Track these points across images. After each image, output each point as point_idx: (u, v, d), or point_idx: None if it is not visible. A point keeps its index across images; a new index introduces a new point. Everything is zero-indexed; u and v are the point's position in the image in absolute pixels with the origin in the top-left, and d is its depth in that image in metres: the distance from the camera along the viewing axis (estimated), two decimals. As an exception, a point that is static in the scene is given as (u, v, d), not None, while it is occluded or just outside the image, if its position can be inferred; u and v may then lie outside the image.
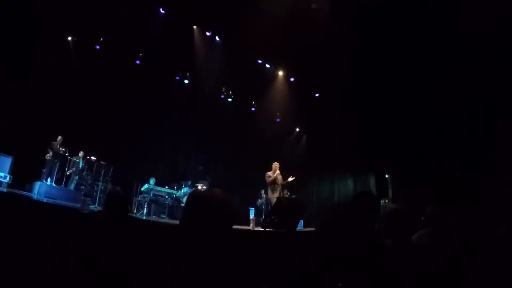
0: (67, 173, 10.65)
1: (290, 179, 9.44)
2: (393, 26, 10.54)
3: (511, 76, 9.30)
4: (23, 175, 9.62)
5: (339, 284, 2.03)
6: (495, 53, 9.50)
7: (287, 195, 10.10)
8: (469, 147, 10.08)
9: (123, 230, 3.15)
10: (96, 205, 9.41)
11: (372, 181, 14.94)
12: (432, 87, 10.90)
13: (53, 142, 10.24)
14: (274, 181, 9.16)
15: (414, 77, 11.23)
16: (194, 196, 1.61)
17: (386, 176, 14.27)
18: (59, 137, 10.35)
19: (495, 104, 9.74)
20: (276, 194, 9.05)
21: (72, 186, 10.54)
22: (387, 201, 12.49)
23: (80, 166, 10.66)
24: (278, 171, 9.24)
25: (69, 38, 11.93)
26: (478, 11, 9.11)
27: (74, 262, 2.56)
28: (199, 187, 11.25)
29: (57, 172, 10.41)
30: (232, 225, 1.62)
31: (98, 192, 10.04)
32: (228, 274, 1.42)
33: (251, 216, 11.13)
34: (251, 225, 9.45)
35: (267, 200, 12.92)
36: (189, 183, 12.25)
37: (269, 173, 9.29)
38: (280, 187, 9.24)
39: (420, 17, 10.03)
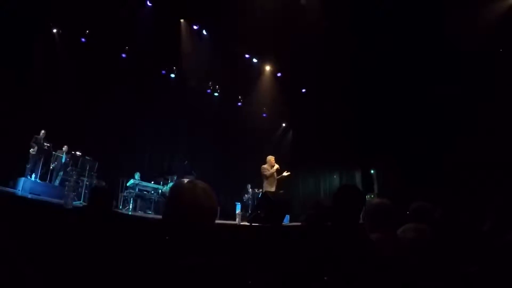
0: (51, 167, 10.50)
1: (285, 173, 9.20)
2: (382, 22, 10.60)
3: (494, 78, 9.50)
4: (7, 171, 9.45)
5: (325, 278, 2.04)
6: (492, 53, 9.65)
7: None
8: (455, 145, 10.23)
9: (107, 225, 3.13)
10: (81, 201, 9.29)
11: (358, 176, 15.06)
12: (419, 86, 11.03)
13: (36, 136, 10.06)
14: (271, 175, 8.83)
15: (401, 74, 11.34)
16: (176, 188, 1.60)
17: (372, 171, 14.41)
18: (42, 131, 10.17)
19: (480, 103, 9.90)
20: (273, 188, 8.75)
21: (57, 182, 10.39)
22: (372, 196, 12.62)
23: (63, 160, 10.51)
24: (276, 165, 8.92)
25: (55, 31, 11.73)
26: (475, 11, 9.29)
27: (58, 258, 2.54)
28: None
29: (42, 168, 10.25)
30: (215, 217, 1.61)
31: (83, 188, 9.91)
32: (213, 268, 1.41)
33: (237, 210, 11.15)
34: (237, 219, 9.45)
35: (254, 194, 12.95)
36: (175, 178, 12.19)
37: (266, 166, 8.92)
38: (276, 180, 8.91)
39: (411, 14, 10.11)
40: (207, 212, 1.51)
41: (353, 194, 2.51)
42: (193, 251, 1.42)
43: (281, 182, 9.16)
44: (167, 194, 1.66)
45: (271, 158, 9.04)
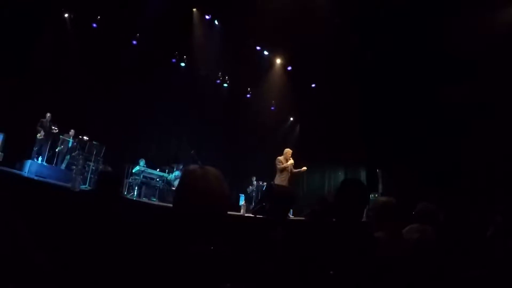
0: (57, 150, 10.56)
1: (303, 168, 8.87)
2: (394, 21, 10.53)
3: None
4: (14, 153, 9.51)
5: (331, 272, 2.04)
6: (493, 54, 9.57)
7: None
8: (461, 147, 10.20)
9: (115, 209, 3.15)
10: (86, 185, 9.35)
11: (363, 175, 15.02)
12: (428, 85, 10.97)
13: (42, 120, 10.09)
14: (284, 168, 8.46)
15: (411, 73, 11.27)
16: (188, 174, 1.58)
17: (377, 170, 14.35)
18: (48, 114, 10.19)
19: (486, 105, 9.84)
20: (284, 183, 8.39)
21: (63, 166, 10.46)
22: (376, 195, 12.58)
23: (70, 144, 10.56)
24: (291, 160, 8.56)
25: (66, 15, 11.73)
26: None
27: (64, 241, 2.56)
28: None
29: (48, 151, 10.31)
30: (227, 204, 1.59)
31: (89, 172, 9.96)
32: (218, 256, 1.42)
33: (242, 202, 11.19)
34: (241, 211, 9.49)
35: (258, 186, 12.98)
36: (181, 166, 12.22)
37: (281, 158, 8.54)
38: (290, 175, 8.53)
39: (421, 14, 10.03)
40: (219, 198, 1.51)
41: (357, 189, 2.50)
42: (204, 238, 1.43)
43: (294, 178, 8.89)
44: (176, 182, 1.65)
45: (288, 152, 8.67)
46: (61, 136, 10.51)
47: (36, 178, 8.36)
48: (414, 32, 10.46)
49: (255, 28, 11.89)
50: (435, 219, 3.45)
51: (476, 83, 9.78)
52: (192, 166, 1.59)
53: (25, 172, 8.91)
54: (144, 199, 10.86)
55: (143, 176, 11.34)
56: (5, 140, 9.00)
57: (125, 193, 10.88)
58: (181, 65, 14.03)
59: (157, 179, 11.75)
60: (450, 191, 9.17)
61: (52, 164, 10.35)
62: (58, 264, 2.28)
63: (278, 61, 15.04)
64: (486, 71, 9.67)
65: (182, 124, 14.56)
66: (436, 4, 9.69)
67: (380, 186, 13.60)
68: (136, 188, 11.09)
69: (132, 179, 11.29)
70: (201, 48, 13.62)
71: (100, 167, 10.21)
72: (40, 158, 9.94)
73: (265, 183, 12.33)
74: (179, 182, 1.59)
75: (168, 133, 14.46)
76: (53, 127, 10.25)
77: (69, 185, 8.04)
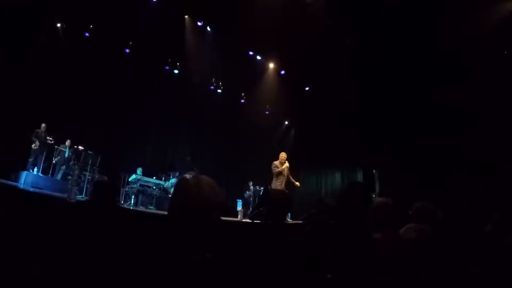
0: (54, 161, 10.51)
1: (297, 183, 9.23)
2: (385, 21, 10.56)
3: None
4: (9, 164, 9.45)
5: (328, 276, 2.05)
6: (492, 54, 9.63)
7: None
8: (457, 145, 10.22)
9: (112, 219, 3.14)
10: (83, 195, 9.32)
11: (359, 175, 15.02)
12: (422, 85, 11.00)
13: (37, 130, 10.06)
14: (280, 172, 8.68)
15: (404, 74, 11.30)
16: (181, 183, 1.60)
17: (374, 171, 14.36)
18: (43, 125, 10.16)
19: (482, 104, 9.87)
20: (281, 186, 8.62)
21: (59, 176, 10.41)
22: (374, 196, 12.58)
23: (66, 155, 10.52)
24: (287, 163, 8.77)
25: (58, 25, 11.72)
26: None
27: (61, 252, 2.55)
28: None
29: (44, 162, 10.26)
30: (221, 212, 1.60)
31: (85, 182, 9.92)
32: (216, 264, 1.41)
33: (239, 207, 11.16)
34: (239, 216, 9.47)
35: (255, 191, 12.96)
36: (177, 174, 12.20)
37: (276, 162, 8.76)
38: (286, 178, 8.77)
39: (416, 14, 10.09)
40: (213, 207, 1.51)
41: (362, 193, 2.52)
42: (198, 247, 1.43)
43: (290, 183, 9.04)
44: (172, 190, 1.66)
45: (282, 155, 8.86)
46: (56, 147, 10.48)
47: (32, 189, 8.31)
48: (410, 31, 10.49)
49: (247, 33, 11.91)
50: (431, 218, 3.46)
51: (474, 82, 9.82)
52: (186, 176, 1.60)
53: (20, 184, 8.85)
54: (141, 208, 10.82)
55: (139, 184, 11.31)
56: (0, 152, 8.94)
57: (122, 202, 10.83)
58: (174, 72, 14.02)
59: (154, 187, 11.73)
60: (448, 190, 9.18)
61: (47, 174, 10.30)
62: (56, 276, 2.27)
63: (271, 65, 15.05)
64: (484, 70, 9.72)
65: (176, 131, 14.56)
66: (434, 4, 9.74)
67: (377, 186, 13.62)
68: (133, 196, 11.05)
69: (128, 188, 11.25)
70: (194, 54, 13.61)
71: (96, 176, 10.17)
72: (35, 169, 9.88)
73: (262, 188, 12.32)
74: (173, 191, 1.61)
75: (163, 140, 14.44)
76: (48, 138, 10.21)
77: (65, 195, 8.00)
